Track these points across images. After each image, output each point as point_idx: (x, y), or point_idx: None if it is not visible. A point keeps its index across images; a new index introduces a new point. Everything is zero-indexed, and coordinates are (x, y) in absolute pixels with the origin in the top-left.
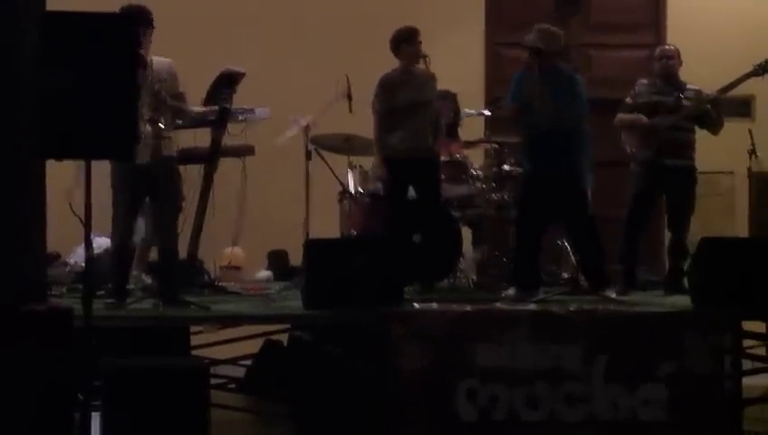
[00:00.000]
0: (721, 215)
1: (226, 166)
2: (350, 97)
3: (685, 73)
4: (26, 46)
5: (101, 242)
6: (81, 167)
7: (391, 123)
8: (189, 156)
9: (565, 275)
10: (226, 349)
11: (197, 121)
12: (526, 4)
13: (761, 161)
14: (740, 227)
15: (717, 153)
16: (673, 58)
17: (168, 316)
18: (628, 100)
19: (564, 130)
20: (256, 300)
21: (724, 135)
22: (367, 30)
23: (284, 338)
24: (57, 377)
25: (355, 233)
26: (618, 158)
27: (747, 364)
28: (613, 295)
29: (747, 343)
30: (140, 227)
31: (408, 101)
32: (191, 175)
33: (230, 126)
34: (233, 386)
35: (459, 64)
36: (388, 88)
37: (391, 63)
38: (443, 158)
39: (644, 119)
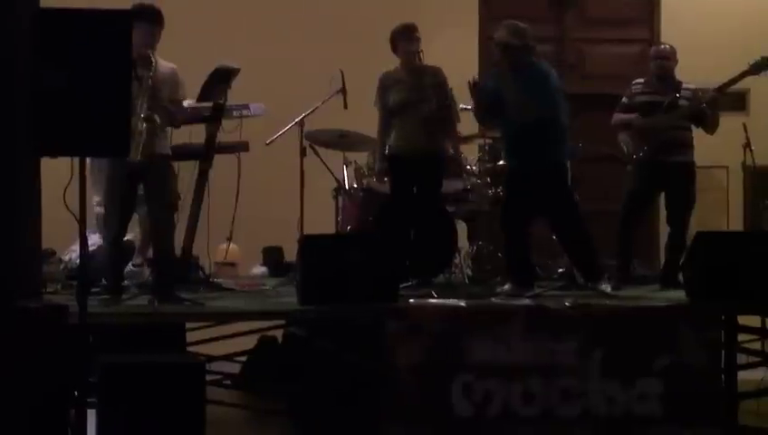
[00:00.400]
0: (715, 209)
1: (221, 162)
2: (344, 93)
3: (679, 68)
4: (20, 43)
5: (96, 239)
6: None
7: (388, 121)
8: (184, 152)
9: (560, 270)
10: (222, 345)
11: (192, 117)
12: None
13: (755, 155)
14: (734, 222)
15: (711, 148)
16: (669, 58)
17: (163, 313)
18: (625, 99)
19: (539, 123)
20: (251, 296)
21: (718, 130)
22: (362, 26)
23: (279, 334)
24: (52, 374)
25: (350, 229)
26: (612, 153)
27: (742, 358)
28: (608, 290)
29: (742, 337)
30: (140, 220)
31: (399, 102)
32: (186, 171)
33: (225, 122)
34: (228, 382)
35: (453, 59)
36: (381, 87)
37: (386, 59)
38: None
39: (641, 118)
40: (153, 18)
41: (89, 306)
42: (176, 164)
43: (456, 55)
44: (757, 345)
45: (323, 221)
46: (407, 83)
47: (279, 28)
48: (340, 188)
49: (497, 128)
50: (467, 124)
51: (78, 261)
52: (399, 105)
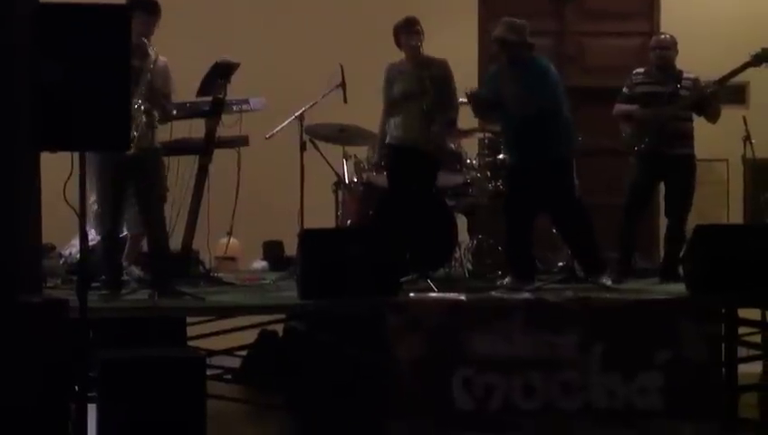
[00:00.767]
0: (715, 202)
1: (221, 157)
2: (344, 87)
3: (679, 60)
4: (20, 37)
5: (95, 234)
6: None
7: (390, 112)
8: (184, 147)
9: (560, 264)
10: (222, 340)
11: (192, 112)
12: None
13: (755, 148)
14: (734, 215)
15: (711, 141)
16: (669, 48)
17: (163, 307)
18: (625, 90)
19: (539, 118)
20: (252, 290)
21: (718, 122)
22: (362, 20)
23: (280, 328)
24: (53, 368)
25: (350, 223)
26: (612, 146)
27: (743, 352)
28: (609, 283)
29: (743, 330)
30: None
31: (401, 93)
32: (186, 166)
33: (224, 117)
34: (229, 377)
35: (453, 54)
36: (387, 79)
37: (386, 53)
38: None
39: (641, 109)
40: (150, 8)
41: (89, 301)
42: (175, 159)
43: (455, 51)
44: (757, 338)
45: (323, 215)
46: (409, 75)
47: (279, 23)
48: (340, 183)
49: (497, 122)
50: (467, 118)
51: (78, 256)
52: (401, 96)
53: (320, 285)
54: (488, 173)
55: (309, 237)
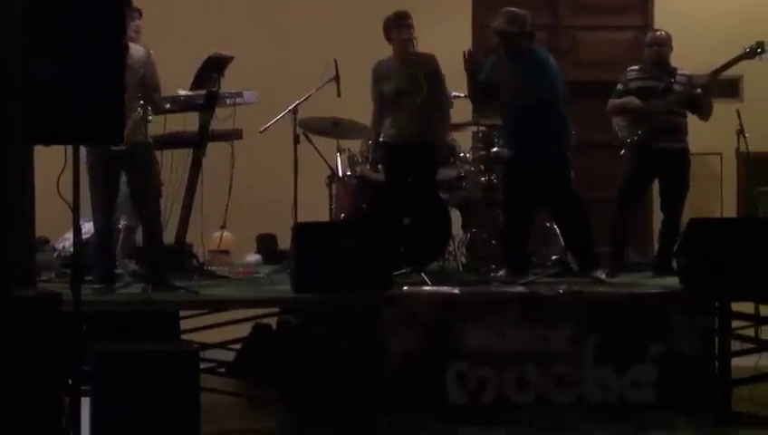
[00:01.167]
0: (709, 196)
1: (215, 150)
2: (338, 80)
3: (673, 55)
4: (13, 31)
5: (90, 227)
6: None
7: (384, 110)
8: (177, 140)
9: (554, 257)
10: (215, 333)
11: (185, 105)
12: None
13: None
14: (728, 208)
15: (705, 134)
16: (664, 45)
17: (156, 301)
18: (620, 86)
19: (538, 109)
20: (245, 284)
21: (712, 116)
22: (355, 14)
23: (273, 322)
24: (46, 362)
25: (344, 216)
26: (606, 140)
27: (736, 345)
28: (602, 277)
29: (736, 323)
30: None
31: (394, 91)
32: (179, 159)
33: (218, 110)
34: (222, 370)
35: (446, 47)
36: (376, 77)
37: (379, 47)
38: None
39: (636, 102)
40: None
41: (83, 294)
42: (169, 152)
43: (449, 44)
44: (751, 332)
45: (317, 209)
46: (400, 72)
47: (272, 16)
48: (333, 176)
49: (490, 109)
50: (460, 112)
51: (72, 249)
52: (395, 94)
53: (313, 278)
54: (482, 167)
55: (302, 231)
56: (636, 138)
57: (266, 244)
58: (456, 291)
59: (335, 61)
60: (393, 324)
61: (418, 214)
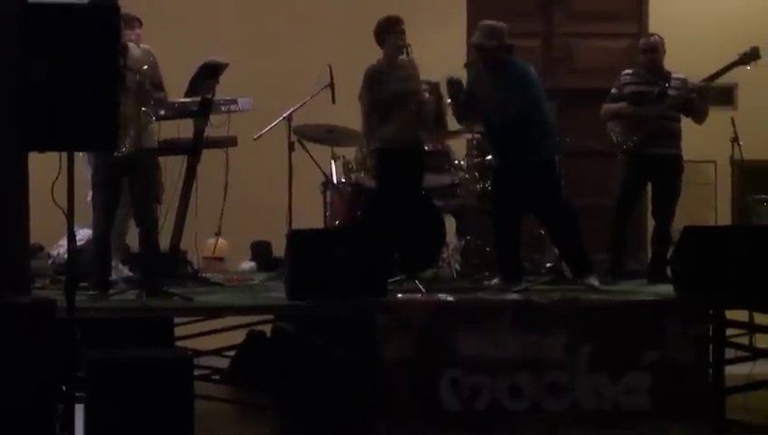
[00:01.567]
0: (703, 204)
1: (209, 157)
2: (332, 88)
3: (668, 61)
4: (7, 37)
5: (84, 234)
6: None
7: (380, 115)
8: (172, 147)
9: (548, 265)
10: (210, 340)
11: (180, 112)
12: None
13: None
14: (722, 216)
15: (699, 142)
16: (657, 50)
17: (151, 307)
18: (614, 90)
19: (520, 120)
20: (240, 291)
21: (706, 124)
22: (350, 21)
23: (268, 329)
24: (40, 369)
25: (338, 223)
26: (600, 147)
27: (730, 353)
28: (596, 284)
29: (730, 331)
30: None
31: (396, 93)
32: (174, 166)
33: (213, 117)
34: (217, 377)
35: (442, 54)
36: (375, 80)
37: (374, 53)
38: (427, 147)
39: (630, 107)
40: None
41: (77, 301)
42: (163, 159)
43: (443, 52)
44: (745, 340)
45: (312, 216)
46: (397, 75)
47: (267, 23)
48: (328, 183)
49: (476, 123)
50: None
51: (66, 256)
52: (398, 96)
53: (308, 285)
54: (476, 174)
55: (297, 238)
56: (631, 143)
57: (261, 251)
58: (451, 298)
59: (330, 68)
60: (387, 332)
61: (413, 220)
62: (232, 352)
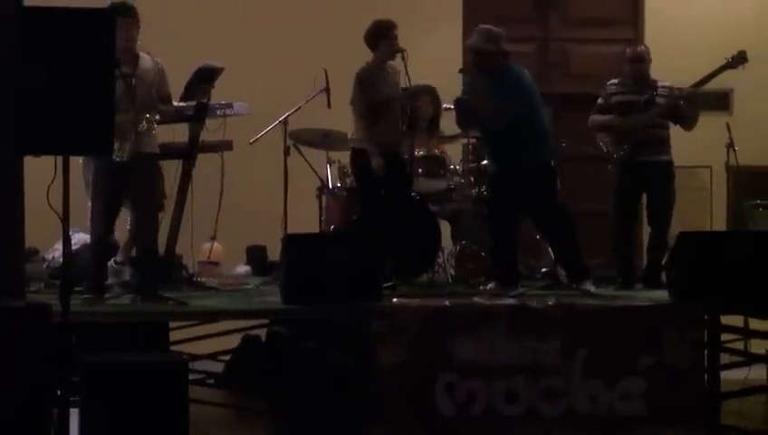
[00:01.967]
0: (699, 209)
1: (205, 161)
2: (328, 92)
3: (662, 68)
4: (3, 42)
5: (79, 238)
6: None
7: (373, 117)
8: (167, 151)
9: (544, 269)
10: (205, 344)
11: (176, 116)
12: None
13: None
14: (718, 222)
15: (695, 148)
16: (644, 60)
17: (146, 312)
18: (601, 100)
19: (516, 126)
20: (235, 295)
21: (702, 129)
22: (345, 25)
23: (263, 333)
24: (35, 373)
25: (334, 228)
26: (595, 152)
27: (725, 358)
28: (592, 290)
29: (725, 336)
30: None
31: (386, 96)
32: (169, 170)
33: (208, 121)
34: (211, 381)
35: (437, 59)
36: (368, 82)
37: (369, 58)
38: (422, 152)
39: (617, 119)
40: (131, 13)
41: (72, 305)
42: (160, 163)
43: (439, 56)
44: (740, 345)
45: (307, 220)
46: (389, 79)
47: (263, 27)
48: (323, 188)
49: (476, 129)
50: (451, 124)
51: (61, 260)
52: (389, 100)
53: (303, 290)
54: (472, 179)
55: (292, 242)
56: (621, 153)
57: (256, 255)
58: (446, 303)
59: (325, 72)
60: (382, 336)
61: (408, 225)
62: (227, 357)
